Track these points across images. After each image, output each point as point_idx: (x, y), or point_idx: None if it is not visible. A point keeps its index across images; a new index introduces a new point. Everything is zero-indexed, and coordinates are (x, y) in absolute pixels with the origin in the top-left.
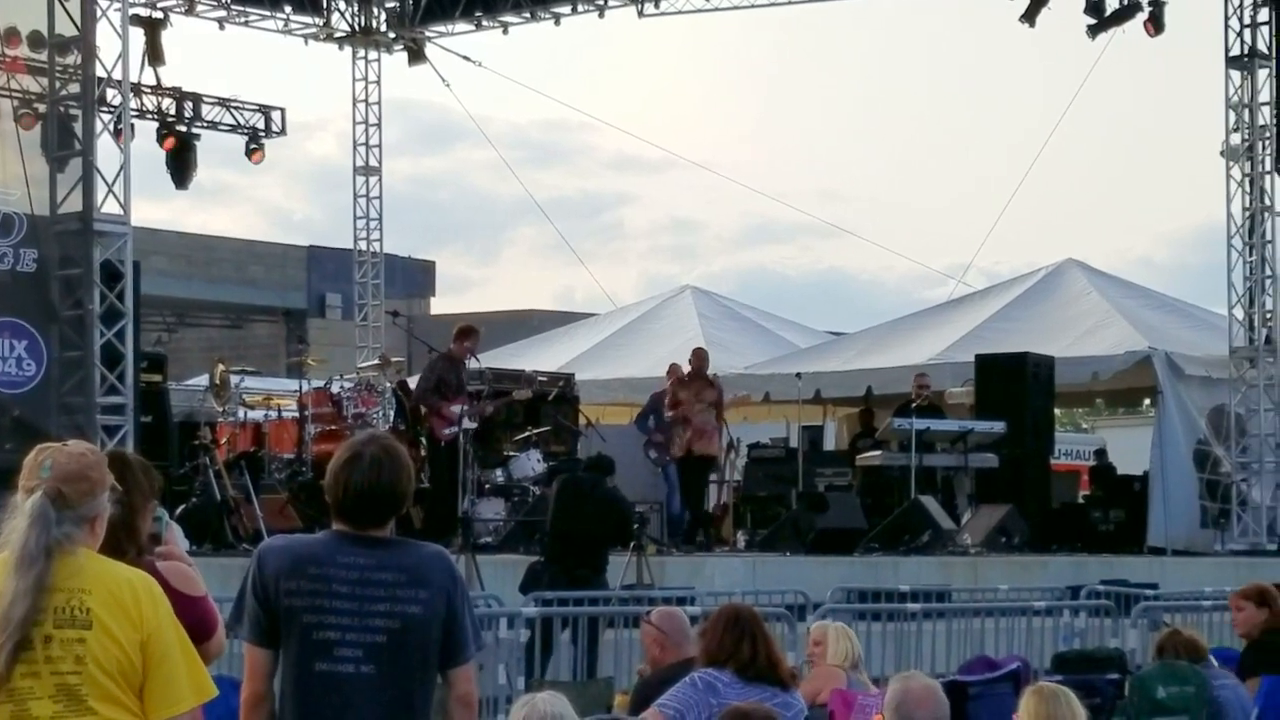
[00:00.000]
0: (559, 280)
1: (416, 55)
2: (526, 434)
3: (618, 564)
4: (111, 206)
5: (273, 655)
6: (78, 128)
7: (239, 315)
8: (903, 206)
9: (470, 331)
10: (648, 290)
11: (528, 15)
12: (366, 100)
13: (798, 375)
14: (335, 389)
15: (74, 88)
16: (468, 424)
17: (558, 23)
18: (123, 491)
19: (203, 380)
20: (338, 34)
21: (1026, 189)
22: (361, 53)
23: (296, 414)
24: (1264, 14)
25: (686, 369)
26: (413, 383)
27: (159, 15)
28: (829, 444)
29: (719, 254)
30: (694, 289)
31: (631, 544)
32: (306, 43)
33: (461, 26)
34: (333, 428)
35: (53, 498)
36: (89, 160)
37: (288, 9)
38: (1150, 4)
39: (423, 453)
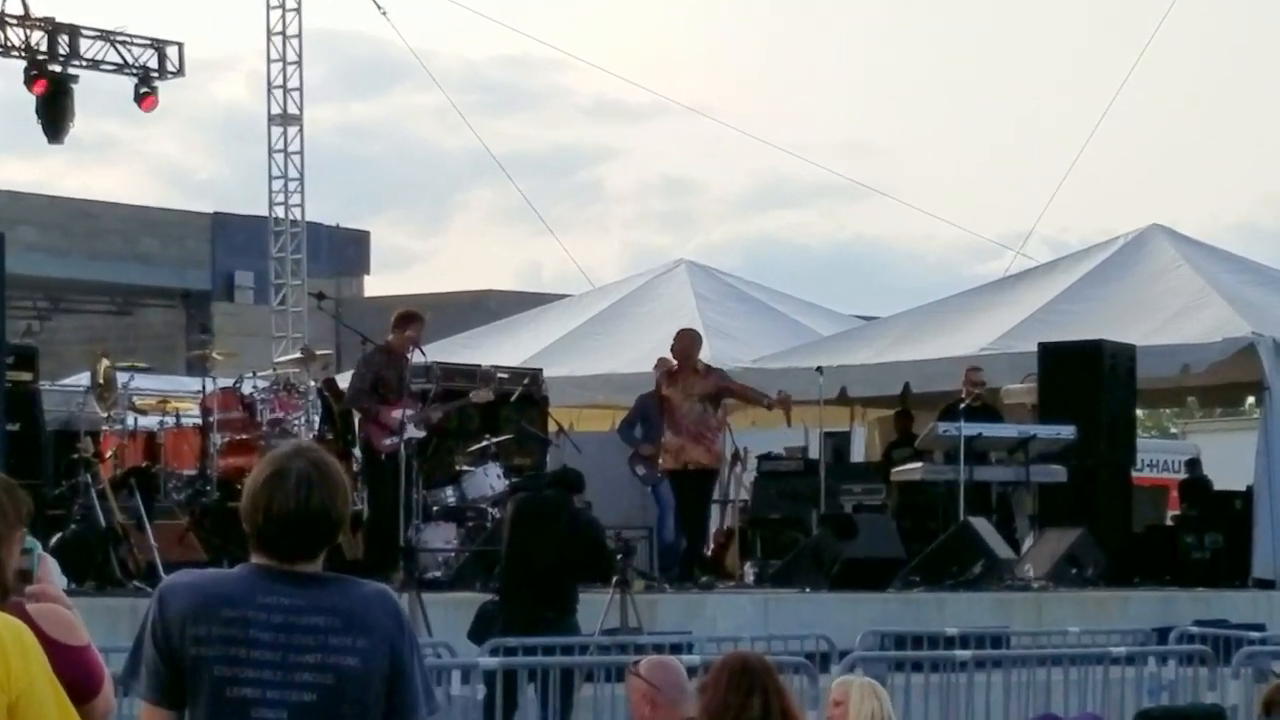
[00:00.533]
0: (523, 254)
1: None
2: (484, 444)
3: (595, 603)
4: None
5: (176, 718)
6: None
7: (127, 298)
8: (947, 161)
9: (412, 318)
10: (633, 266)
11: None
12: (284, 33)
13: (818, 369)
14: (247, 389)
15: None
16: (412, 432)
17: None
18: None
19: (83, 379)
20: None
21: (1100, 140)
22: None
23: (199, 420)
24: None
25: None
26: (343, 381)
27: None
28: (857, 454)
29: (721, 221)
30: (690, 264)
31: (614, 579)
32: None
33: None
34: (244, 437)
35: None
36: None
37: None
38: None
39: (356, 468)
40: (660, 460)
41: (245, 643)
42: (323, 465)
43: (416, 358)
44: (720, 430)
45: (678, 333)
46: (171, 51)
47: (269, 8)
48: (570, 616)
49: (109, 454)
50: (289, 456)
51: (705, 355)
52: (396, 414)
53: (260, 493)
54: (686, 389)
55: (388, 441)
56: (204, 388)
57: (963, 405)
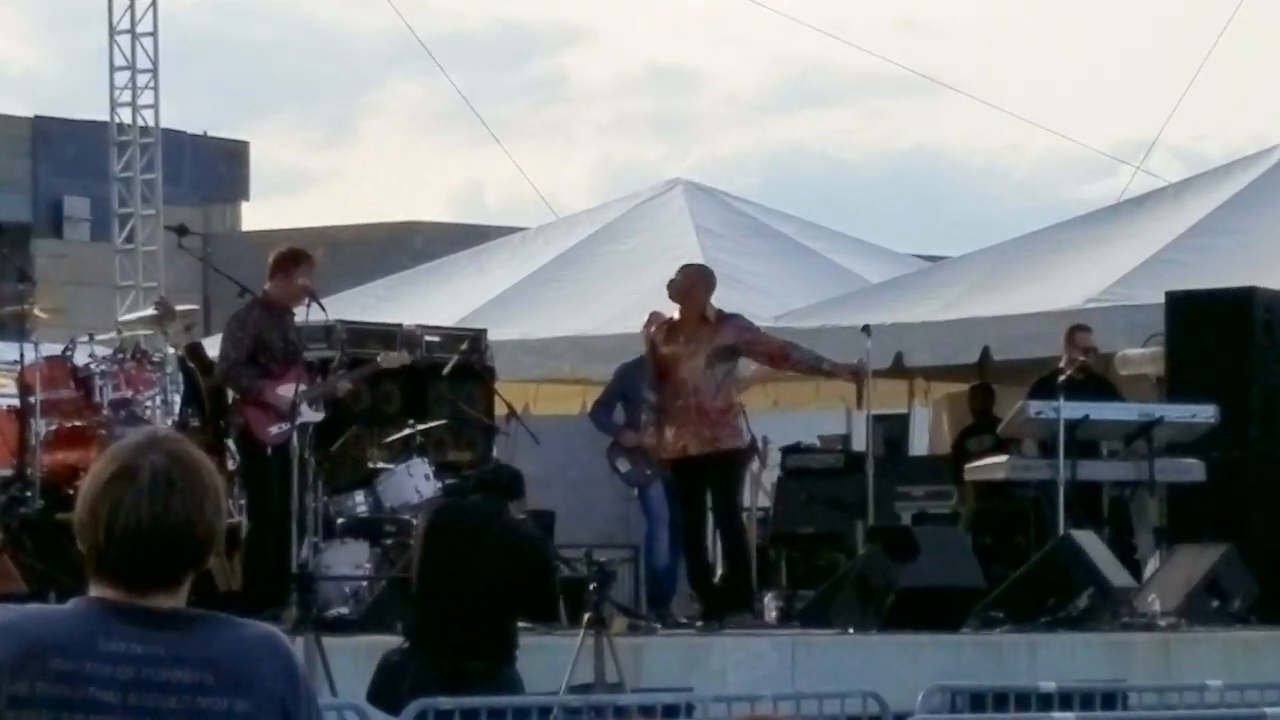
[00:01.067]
0: (459, 173)
1: None
2: (406, 432)
3: (559, 649)
4: None
5: None
6: None
7: None
8: (1039, 46)
9: (299, 258)
10: (610, 189)
11: None
12: None
13: (864, 329)
14: (81, 359)
15: None
16: (308, 414)
17: None
18: None
19: None
20: None
21: (1249, 15)
22: None
23: (16, 401)
24: None
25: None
26: (213, 347)
27: None
28: (918, 445)
29: (731, 126)
30: (689, 185)
31: (586, 616)
32: None
33: None
34: (78, 424)
35: None
36: None
37: None
38: None
39: (231, 465)
40: (658, 450)
41: (83, 706)
42: (186, 460)
43: (314, 314)
44: (735, 407)
45: (681, 269)
46: None
47: None
48: (507, 667)
49: None
50: (139, 449)
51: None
52: (285, 390)
53: (101, 499)
54: (692, 345)
55: (275, 429)
56: (22, 357)
57: (1063, 378)
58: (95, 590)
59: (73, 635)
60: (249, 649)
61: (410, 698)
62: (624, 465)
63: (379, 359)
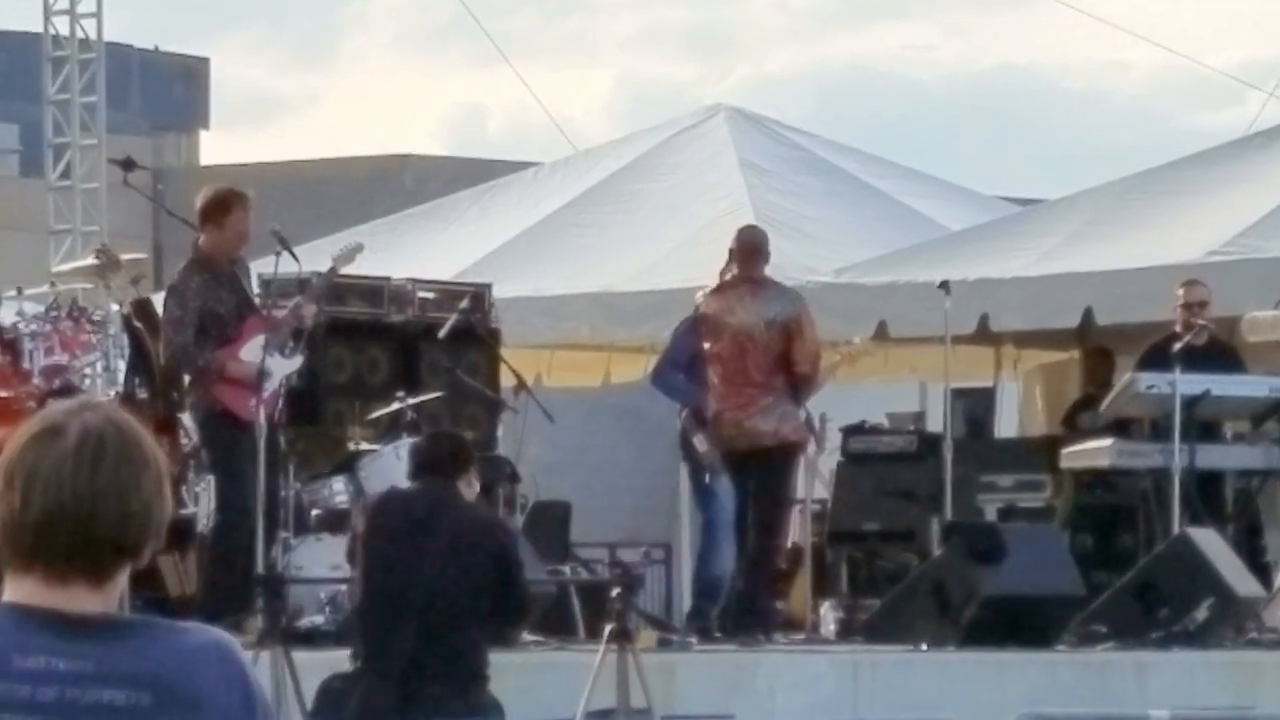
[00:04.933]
0: (458, 97)
1: None
2: (396, 406)
3: (575, 667)
4: None
5: None
6: None
7: None
8: None
9: (228, 203)
10: (638, 116)
11: None
12: None
13: (942, 286)
14: (8, 318)
15: None
16: (285, 366)
17: None
18: None
19: None
20: None
21: None
22: None
23: None
24: None
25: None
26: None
27: None
28: (1006, 426)
29: (782, 41)
30: (732, 111)
31: (608, 629)
32: None
33: None
34: (2, 395)
35: None
36: None
37: None
38: None
39: (185, 444)
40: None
41: None
42: (125, 425)
43: (285, 265)
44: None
45: (741, 233)
46: None
47: None
48: (473, 692)
49: None
50: (69, 411)
51: None
52: (249, 352)
53: (18, 461)
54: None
55: (255, 400)
56: None
57: (1179, 345)
58: (10, 591)
59: None
60: (192, 660)
61: None
62: (703, 443)
63: (333, 259)
